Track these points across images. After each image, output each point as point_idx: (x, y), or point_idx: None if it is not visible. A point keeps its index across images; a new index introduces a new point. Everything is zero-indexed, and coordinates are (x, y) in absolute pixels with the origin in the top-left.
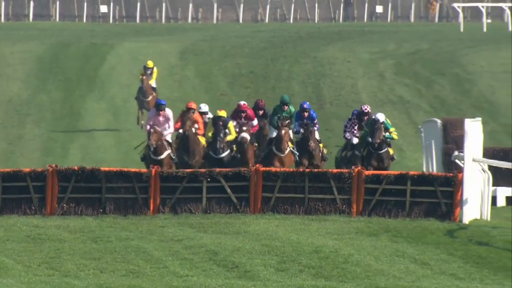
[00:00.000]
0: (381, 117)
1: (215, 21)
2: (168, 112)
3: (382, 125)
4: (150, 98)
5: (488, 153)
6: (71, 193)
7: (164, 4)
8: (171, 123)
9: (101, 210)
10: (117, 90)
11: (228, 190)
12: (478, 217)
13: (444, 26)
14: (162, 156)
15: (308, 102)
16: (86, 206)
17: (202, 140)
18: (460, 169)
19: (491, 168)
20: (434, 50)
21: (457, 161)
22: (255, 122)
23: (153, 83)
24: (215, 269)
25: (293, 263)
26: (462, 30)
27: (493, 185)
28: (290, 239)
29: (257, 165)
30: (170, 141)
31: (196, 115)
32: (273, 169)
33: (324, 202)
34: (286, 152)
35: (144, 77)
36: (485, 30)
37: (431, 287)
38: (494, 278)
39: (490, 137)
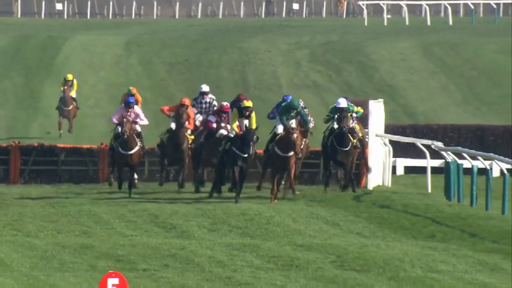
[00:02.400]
0: (343, 103)
1: (155, 17)
2: (137, 109)
3: (348, 113)
4: (70, 107)
5: (389, 129)
6: (31, 165)
7: (111, 2)
8: (142, 116)
9: (57, 180)
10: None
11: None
12: (381, 184)
13: (351, 21)
14: (132, 151)
15: (290, 96)
16: (44, 177)
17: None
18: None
19: (391, 142)
20: (343, 41)
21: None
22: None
23: (73, 94)
24: (155, 229)
25: (223, 224)
26: (366, 24)
27: (393, 157)
28: (220, 204)
29: None
30: (139, 130)
31: (189, 110)
32: None
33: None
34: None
35: (65, 88)
36: (385, 24)
37: (341, 244)
38: (394, 236)
39: (390, 116)
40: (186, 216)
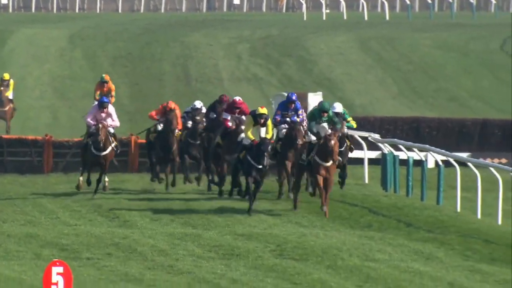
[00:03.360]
0: (339, 107)
1: (98, 11)
2: (111, 108)
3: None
4: (7, 108)
5: None
6: None
7: None
8: (114, 117)
9: (3, 170)
10: (17, 69)
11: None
12: None
13: (290, 15)
14: (106, 152)
15: (295, 94)
16: None
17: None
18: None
19: None
20: (283, 35)
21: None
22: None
23: (10, 94)
24: (99, 219)
25: (165, 214)
26: (305, 18)
27: None
28: (163, 194)
29: (133, 138)
30: (113, 131)
31: (176, 112)
32: None
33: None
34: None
35: (2, 89)
36: (324, 18)
37: (280, 233)
38: (332, 225)
39: None
40: (129, 206)
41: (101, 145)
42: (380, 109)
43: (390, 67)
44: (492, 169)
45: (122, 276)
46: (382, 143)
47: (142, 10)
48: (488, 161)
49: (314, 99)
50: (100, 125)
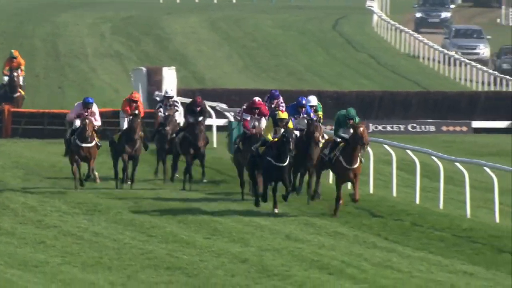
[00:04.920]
0: (314, 100)
1: None
2: (95, 108)
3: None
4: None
5: (180, 93)
6: None
7: None
8: (97, 116)
9: None
10: None
11: None
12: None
13: None
14: (91, 144)
15: (305, 98)
16: None
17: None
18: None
19: (183, 103)
20: (142, 16)
21: (157, 99)
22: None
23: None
24: None
25: (35, 175)
26: (161, 1)
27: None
28: (33, 157)
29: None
30: (96, 128)
31: (139, 104)
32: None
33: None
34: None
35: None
36: (178, 1)
37: (138, 192)
38: (181, 186)
39: (182, 82)
40: (2, 168)
41: (87, 136)
42: (227, 82)
43: (236, 45)
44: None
45: None
46: (229, 112)
47: None
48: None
49: (168, 73)
50: (87, 121)
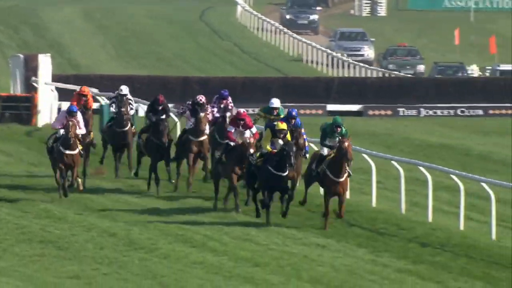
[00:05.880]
0: (277, 103)
1: None
2: (79, 116)
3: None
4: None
5: (56, 78)
6: None
7: None
8: (82, 124)
9: None
10: None
11: None
12: (49, 122)
13: None
14: (74, 152)
15: (296, 110)
16: None
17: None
18: (36, 90)
19: (58, 88)
20: (21, 6)
21: (34, 84)
22: (254, 129)
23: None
24: None
25: None
26: None
27: (59, 100)
28: None
29: None
30: (80, 136)
31: (89, 98)
32: None
33: None
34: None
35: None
36: None
37: (14, 171)
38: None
39: (58, 68)
40: None
41: (71, 142)
42: (101, 68)
43: (110, 34)
44: None
45: None
46: (100, 96)
47: None
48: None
49: (44, 60)
50: (71, 122)
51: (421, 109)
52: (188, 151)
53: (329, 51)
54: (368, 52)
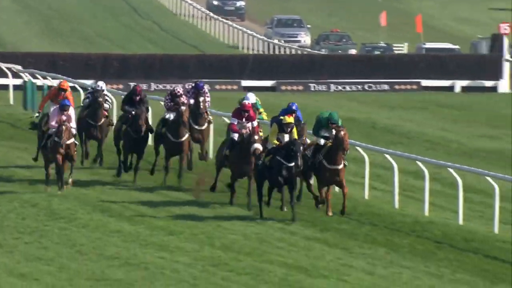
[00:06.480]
0: (252, 98)
1: None
2: (71, 111)
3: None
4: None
5: None
6: None
7: None
8: (73, 120)
9: None
10: None
11: None
12: None
13: None
14: (69, 142)
15: (296, 104)
16: None
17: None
18: None
19: None
20: None
21: None
22: (255, 123)
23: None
24: None
25: None
26: None
27: None
28: None
29: None
30: (75, 132)
31: (68, 94)
32: None
33: None
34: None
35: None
36: None
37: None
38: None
39: None
40: None
41: (62, 144)
42: (26, 46)
43: (34, 12)
44: None
45: None
46: (23, 72)
47: None
48: (109, 87)
49: None
50: (64, 127)
51: (331, 85)
52: (167, 152)
53: (265, 38)
54: (305, 38)
